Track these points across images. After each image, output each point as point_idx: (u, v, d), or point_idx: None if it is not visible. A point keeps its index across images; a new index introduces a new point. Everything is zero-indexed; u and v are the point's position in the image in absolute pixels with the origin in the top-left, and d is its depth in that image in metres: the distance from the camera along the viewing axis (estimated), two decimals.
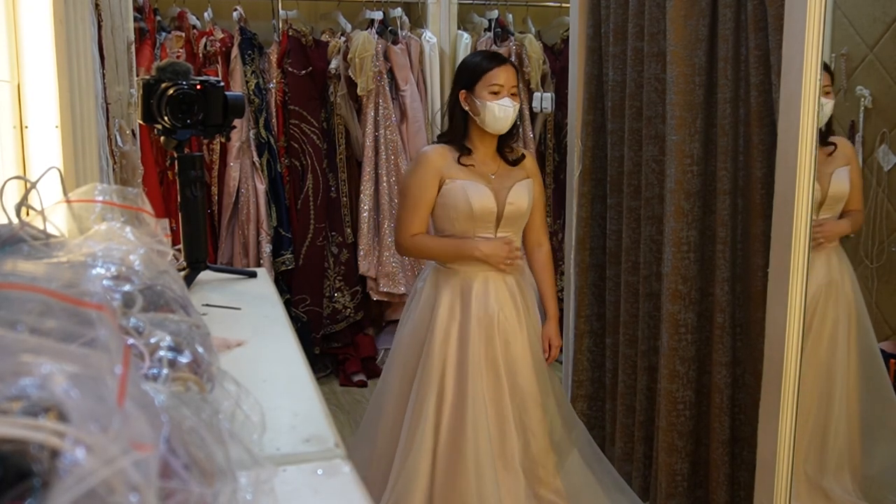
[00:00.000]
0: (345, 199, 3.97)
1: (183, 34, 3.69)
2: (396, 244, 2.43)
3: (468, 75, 2.33)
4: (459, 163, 2.32)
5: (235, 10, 3.79)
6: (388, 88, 3.92)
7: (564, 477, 2.51)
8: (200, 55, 3.72)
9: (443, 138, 2.40)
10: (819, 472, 2.63)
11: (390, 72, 3.94)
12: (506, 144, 2.40)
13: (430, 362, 2.33)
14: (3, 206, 0.73)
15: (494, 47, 4.09)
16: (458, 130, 2.35)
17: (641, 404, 2.70)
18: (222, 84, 1.60)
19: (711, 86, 2.41)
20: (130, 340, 0.62)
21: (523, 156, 2.44)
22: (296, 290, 3.92)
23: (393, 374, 2.47)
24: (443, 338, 2.33)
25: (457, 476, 2.28)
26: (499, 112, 2.27)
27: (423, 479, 2.30)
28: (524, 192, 2.36)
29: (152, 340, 0.64)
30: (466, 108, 2.32)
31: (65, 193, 0.84)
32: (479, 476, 2.26)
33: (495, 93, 2.28)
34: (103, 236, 0.74)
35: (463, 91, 2.32)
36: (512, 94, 2.30)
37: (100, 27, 2.05)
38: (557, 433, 2.52)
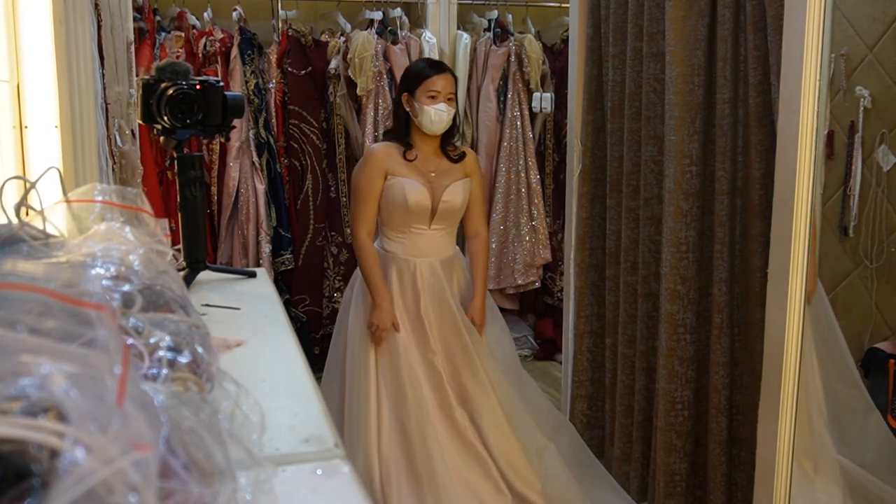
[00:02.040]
0: (344, 199, 3.96)
1: (182, 34, 3.69)
2: (353, 235, 2.64)
3: (411, 80, 2.55)
4: (405, 158, 2.55)
5: (235, 10, 3.79)
6: (387, 88, 3.91)
7: (545, 476, 2.59)
8: (200, 55, 3.72)
9: (388, 136, 2.65)
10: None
11: (390, 72, 3.94)
12: (447, 143, 2.61)
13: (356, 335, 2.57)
14: (2, 206, 0.73)
15: (494, 47, 4.09)
16: (401, 129, 2.57)
17: (640, 404, 2.70)
18: (222, 84, 1.60)
19: (710, 86, 2.41)
20: (130, 340, 0.62)
21: (464, 154, 2.63)
22: (295, 290, 3.92)
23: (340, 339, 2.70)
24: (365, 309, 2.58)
25: (403, 438, 2.48)
26: (434, 116, 2.49)
27: (372, 436, 2.47)
28: (459, 191, 2.58)
29: (152, 340, 0.64)
30: (408, 110, 2.54)
31: (64, 193, 0.84)
32: (422, 437, 2.44)
33: (432, 97, 2.49)
34: (103, 236, 0.74)
35: (406, 94, 2.55)
36: (448, 100, 2.51)
37: (99, 27, 2.05)
38: (528, 429, 2.62)
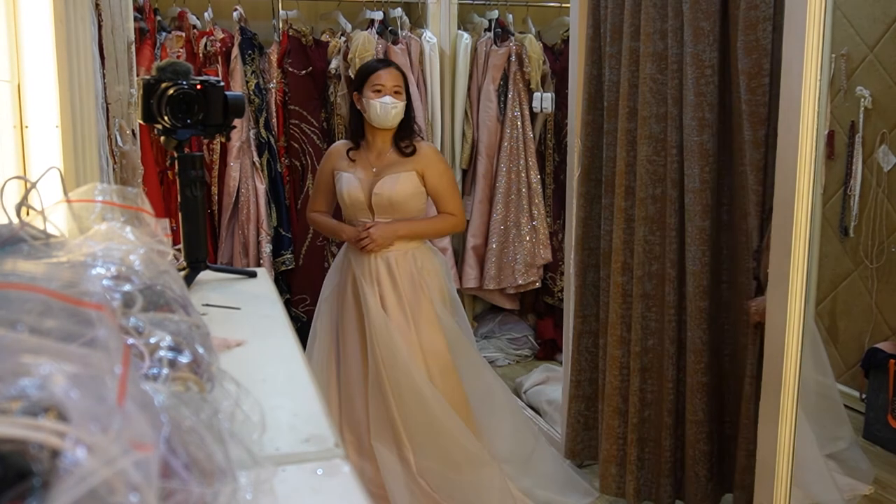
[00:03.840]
0: None
1: (183, 34, 3.69)
2: (307, 215, 2.92)
3: (358, 79, 2.65)
4: (348, 155, 2.69)
5: (235, 9, 3.79)
6: None
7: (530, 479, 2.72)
8: (201, 55, 3.72)
9: (348, 134, 2.79)
10: None
11: None
12: (402, 138, 2.67)
13: (327, 316, 2.78)
14: (3, 205, 0.73)
15: (494, 47, 4.09)
16: (354, 127, 2.70)
17: (635, 406, 2.69)
18: (222, 84, 1.60)
19: (725, 85, 2.42)
20: (130, 340, 0.62)
21: (415, 149, 2.67)
22: (296, 290, 3.92)
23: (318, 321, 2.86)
24: (336, 296, 2.77)
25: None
26: (380, 109, 2.57)
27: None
28: (393, 184, 2.62)
29: (152, 340, 0.64)
30: (359, 108, 2.65)
31: (65, 193, 0.84)
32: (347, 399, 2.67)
33: (377, 91, 2.58)
34: (103, 236, 0.74)
35: (355, 93, 2.66)
36: (395, 93, 2.59)
37: (100, 27, 2.05)
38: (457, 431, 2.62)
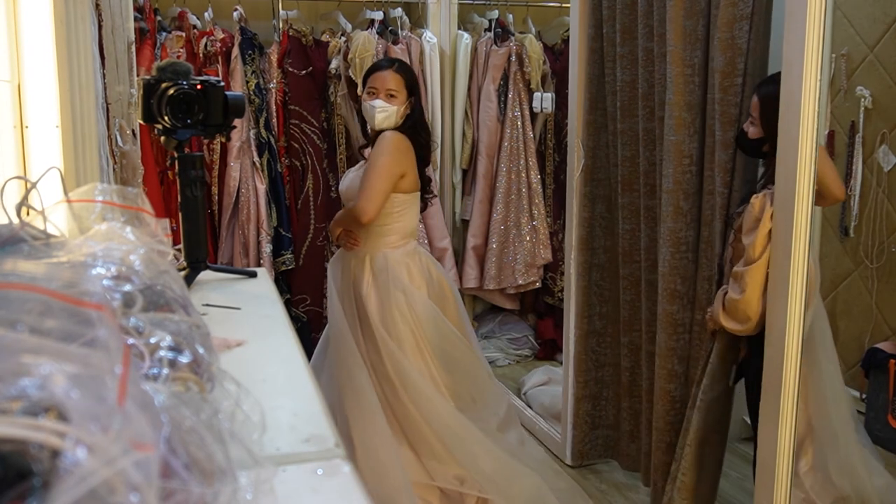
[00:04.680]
0: None
1: (183, 34, 3.69)
2: None
3: (363, 77, 2.68)
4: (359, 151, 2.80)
5: (236, 9, 3.79)
6: None
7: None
8: (201, 55, 3.72)
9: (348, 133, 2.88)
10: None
11: None
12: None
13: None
14: (3, 205, 0.73)
15: (494, 47, 4.09)
16: (362, 124, 2.74)
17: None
18: (222, 84, 1.60)
19: (705, 86, 2.42)
20: (130, 340, 0.62)
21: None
22: (296, 290, 3.92)
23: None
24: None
25: None
26: (369, 111, 2.58)
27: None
28: (346, 180, 2.69)
29: (152, 340, 0.64)
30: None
31: (65, 193, 0.84)
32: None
33: (370, 93, 2.59)
34: (103, 236, 0.74)
35: (362, 92, 2.69)
36: (390, 97, 2.56)
37: (100, 27, 2.05)
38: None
